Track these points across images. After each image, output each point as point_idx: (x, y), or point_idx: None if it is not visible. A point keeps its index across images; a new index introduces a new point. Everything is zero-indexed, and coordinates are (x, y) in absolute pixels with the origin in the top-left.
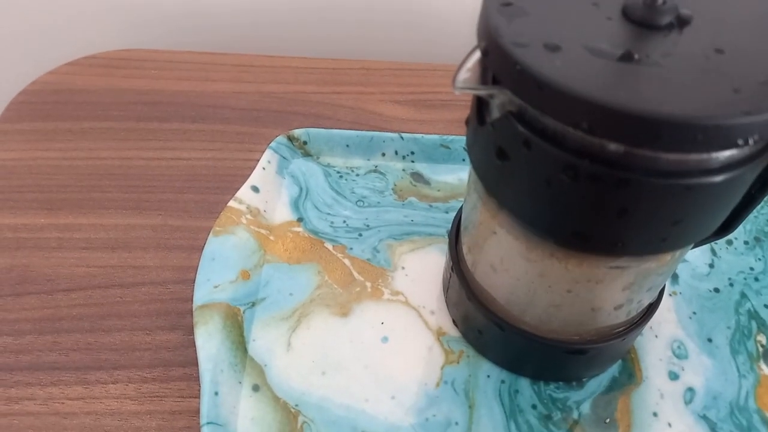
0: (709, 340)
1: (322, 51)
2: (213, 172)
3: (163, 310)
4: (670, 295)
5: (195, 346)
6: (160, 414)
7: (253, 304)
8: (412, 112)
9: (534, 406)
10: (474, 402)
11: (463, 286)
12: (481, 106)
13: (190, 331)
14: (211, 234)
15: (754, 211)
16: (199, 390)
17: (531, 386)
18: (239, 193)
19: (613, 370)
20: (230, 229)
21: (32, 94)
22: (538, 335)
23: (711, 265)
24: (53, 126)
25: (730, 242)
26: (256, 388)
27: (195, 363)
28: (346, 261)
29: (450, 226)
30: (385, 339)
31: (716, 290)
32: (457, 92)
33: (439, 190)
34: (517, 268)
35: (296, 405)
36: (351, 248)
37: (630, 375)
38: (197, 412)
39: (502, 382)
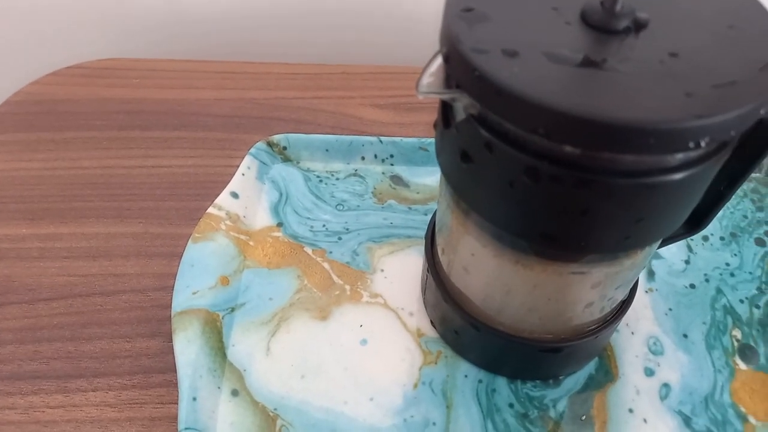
0: (685, 336)
1: (302, 56)
2: (194, 179)
3: (143, 318)
4: (647, 291)
5: (174, 352)
6: (140, 421)
7: (233, 310)
8: (391, 116)
9: (511, 405)
10: (452, 402)
11: (439, 287)
12: (446, 109)
13: (170, 337)
14: (190, 241)
15: (730, 207)
16: (178, 396)
17: (508, 385)
18: (218, 200)
19: (590, 367)
20: (209, 235)
21: (15, 105)
22: (513, 335)
23: (687, 262)
24: (36, 136)
25: (706, 238)
26: (235, 392)
27: (175, 369)
28: (326, 265)
29: None
30: (364, 341)
31: (692, 286)
32: (420, 96)
33: (418, 193)
34: (487, 271)
35: (275, 409)
36: (330, 252)
37: (606, 372)
38: (176, 418)
39: (480, 381)
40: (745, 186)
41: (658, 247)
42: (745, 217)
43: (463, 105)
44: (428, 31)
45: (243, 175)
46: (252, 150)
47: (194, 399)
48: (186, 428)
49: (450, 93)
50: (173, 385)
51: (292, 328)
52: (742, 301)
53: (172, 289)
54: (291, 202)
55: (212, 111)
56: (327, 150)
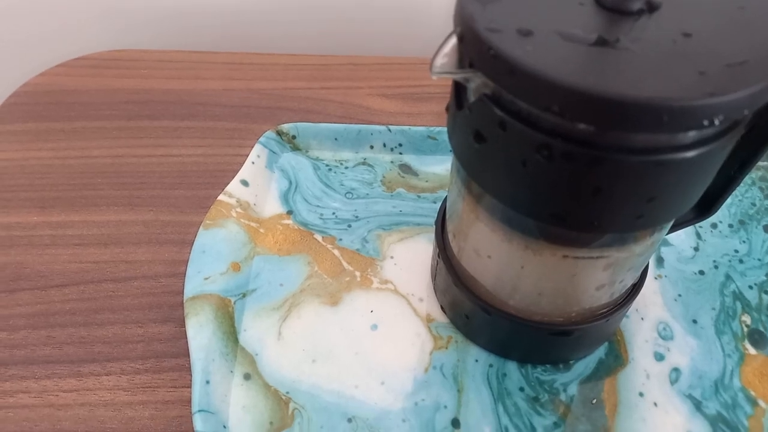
0: (695, 321)
1: (310, 48)
2: (203, 168)
3: (155, 303)
4: (656, 278)
5: (186, 337)
6: (153, 404)
7: (244, 295)
8: (400, 105)
9: (522, 389)
10: (462, 386)
11: (449, 272)
12: (459, 91)
13: (181, 323)
14: (201, 227)
15: (738, 194)
16: (190, 380)
17: (518, 369)
18: (229, 187)
19: (600, 352)
20: (220, 222)
21: (24, 96)
22: (524, 318)
23: (696, 248)
24: (45, 126)
25: (714, 225)
26: (247, 376)
27: (187, 354)
28: (336, 252)
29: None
30: (374, 327)
31: (701, 272)
32: (434, 77)
33: (427, 181)
34: (498, 256)
35: (287, 392)
36: (340, 239)
37: (616, 356)
38: (189, 401)
39: (490, 366)
40: (753, 174)
41: (668, 233)
42: (754, 204)
43: (476, 85)
44: (434, 22)
45: (253, 163)
46: (262, 139)
47: (207, 382)
48: (199, 410)
49: (464, 73)
50: (186, 369)
51: (302, 314)
52: (751, 287)
53: (183, 276)
54: (300, 190)
55: (220, 101)
56: (336, 139)
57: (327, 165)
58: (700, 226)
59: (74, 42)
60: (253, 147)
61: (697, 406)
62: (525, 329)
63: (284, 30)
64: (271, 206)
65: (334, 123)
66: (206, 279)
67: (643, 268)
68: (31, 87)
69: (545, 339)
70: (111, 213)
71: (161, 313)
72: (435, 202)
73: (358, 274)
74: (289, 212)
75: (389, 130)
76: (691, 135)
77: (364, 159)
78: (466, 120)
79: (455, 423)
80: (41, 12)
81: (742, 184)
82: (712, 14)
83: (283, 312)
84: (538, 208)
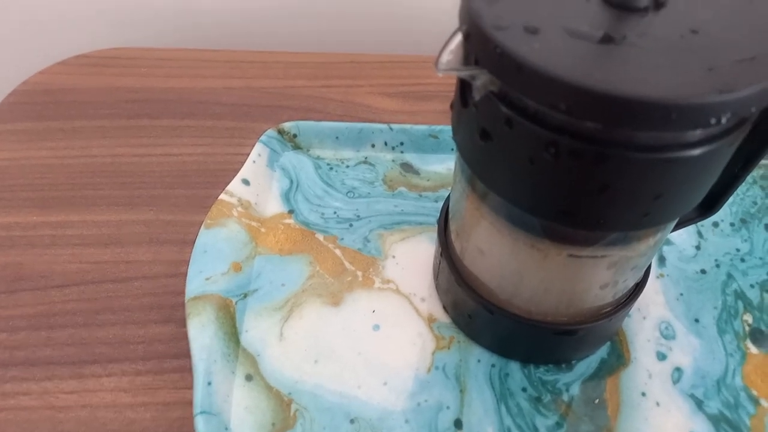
0: (696, 321)
1: (311, 45)
2: (204, 167)
3: (155, 304)
4: (658, 277)
5: (188, 338)
6: (155, 405)
7: (245, 296)
8: (401, 104)
9: (524, 389)
10: (465, 386)
11: (452, 271)
12: (464, 88)
13: (182, 323)
14: (202, 227)
15: (740, 193)
16: (192, 381)
17: (521, 369)
18: (230, 187)
19: (602, 352)
20: (221, 221)
21: (23, 95)
22: (527, 318)
23: (698, 247)
24: (45, 125)
25: (716, 224)
26: (249, 377)
27: (188, 355)
28: (337, 251)
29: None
30: (376, 327)
31: (703, 272)
32: (440, 74)
33: (428, 180)
34: (502, 255)
35: (289, 393)
36: (342, 239)
37: (618, 356)
38: (191, 402)
39: (493, 366)
40: (755, 173)
41: (671, 231)
42: (755, 203)
43: (482, 82)
44: (434, 19)
45: (254, 162)
46: (263, 137)
47: (209, 383)
48: (201, 412)
49: (470, 70)
50: (187, 370)
51: (304, 314)
52: (752, 286)
53: (184, 276)
54: (302, 190)
55: (220, 99)
56: (337, 137)
57: (328, 164)
58: (702, 225)
59: (73, 39)
60: (254, 146)
61: (699, 405)
62: (528, 329)
63: (285, 27)
64: (273, 205)
65: (335, 121)
66: (207, 279)
67: (647, 267)
68: (30, 86)
69: (548, 338)
70: (111, 213)
71: (162, 313)
72: (437, 201)
73: (359, 273)
74: (291, 211)
75: (390, 128)
76: (699, 133)
77: (366, 158)
78: (471, 118)
79: (458, 423)
80: (40, 9)
81: (743, 184)
82: (719, 9)
83: (284, 312)
84: (544, 206)
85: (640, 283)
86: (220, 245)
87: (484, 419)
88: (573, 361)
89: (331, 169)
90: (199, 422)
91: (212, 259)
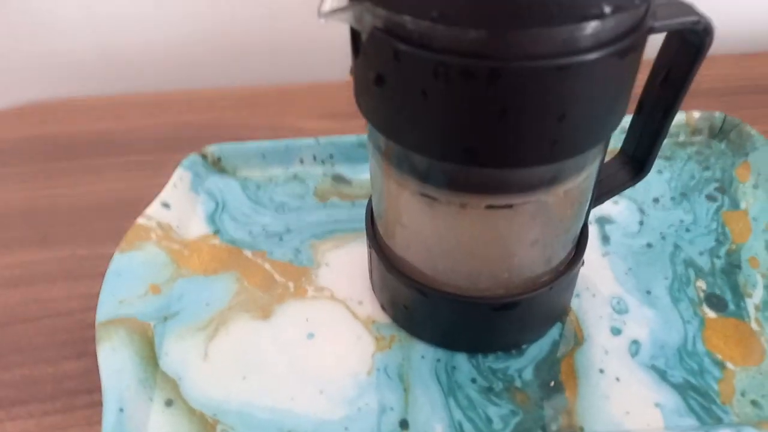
0: (648, 293)
1: (236, 80)
2: (124, 199)
3: (68, 340)
4: (603, 255)
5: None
6: None
7: (166, 319)
8: (331, 123)
9: (473, 380)
10: (409, 384)
11: (381, 259)
12: (355, 38)
13: (96, 355)
14: (116, 251)
15: (676, 169)
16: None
17: (469, 360)
18: (148, 210)
19: (553, 334)
20: (137, 245)
21: None
22: (462, 295)
23: (641, 222)
24: None
25: (656, 200)
26: (169, 402)
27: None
28: (267, 265)
29: None
30: (311, 335)
31: (649, 245)
32: (322, 20)
33: (361, 188)
34: (422, 222)
35: (214, 414)
36: (271, 252)
37: (570, 336)
38: None
39: (438, 360)
40: (689, 149)
41: (606, 198)
42: (693, 177)
43: (367, 20)
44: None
45: (175, 186)
46: (184, 162)
47: (121, 410)
48: None
49: (352, 7)
50: (101, 404)
51: (231, 331)
52: (701, 254)
53: None
54: (228, 210)
55: (146, 136)
56: (264, 156)
57: (256, 184)
58: (643, 202)
59: None
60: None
61: (663, 376)
62: (466, 308)
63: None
64: (196, 228)
65: (260, 140)
66: (121, 302)
67: (578, 228)
68: None
69: (489, 317)
70: (22, 253)
71: (75, 348)
72: None
73: (291, 284)
74: (216, 232)
75: (318, 141)
76: (588, 34)
77: (295, 174)
78: (365, 65)
79: (403, 424)
80: None
81: (678, 160)
82: None
83: (209, 331)
84: (447, 146)
85: (577, 252)
86: (136, 268)
87: (432, 416)
88: (523, 346)
89: (259, 188)
90: None
91: (127, 281)
